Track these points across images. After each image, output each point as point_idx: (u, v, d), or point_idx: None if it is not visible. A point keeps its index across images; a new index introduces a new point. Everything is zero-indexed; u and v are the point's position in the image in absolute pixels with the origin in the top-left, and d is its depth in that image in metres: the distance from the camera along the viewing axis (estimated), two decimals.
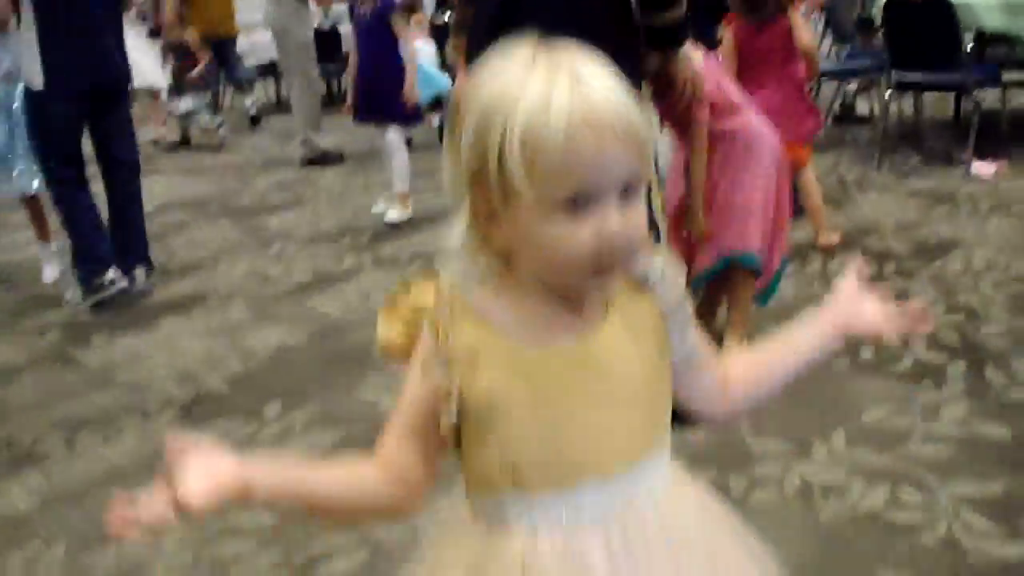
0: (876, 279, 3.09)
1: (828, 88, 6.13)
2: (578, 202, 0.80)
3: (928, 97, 5.64)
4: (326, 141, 6.41)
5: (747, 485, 2.06)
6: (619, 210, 0.82)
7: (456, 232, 0.87)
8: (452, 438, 0.89)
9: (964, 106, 5.32)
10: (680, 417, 0.96)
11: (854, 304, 1.06)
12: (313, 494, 0.90)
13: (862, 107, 6.15)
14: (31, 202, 4.07)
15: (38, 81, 3.53)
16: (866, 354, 2.64)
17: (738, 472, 2.11)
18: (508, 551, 0.88)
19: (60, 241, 4.01)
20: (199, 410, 2.73)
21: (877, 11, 5.14)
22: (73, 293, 3.79)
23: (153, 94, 7.27)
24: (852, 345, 2.69)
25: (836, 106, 6.10)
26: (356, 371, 2.84)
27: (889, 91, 4.92)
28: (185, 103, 7.26)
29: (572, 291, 0.88)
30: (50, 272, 4.13)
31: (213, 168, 6.65)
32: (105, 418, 2.73)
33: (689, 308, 0.95)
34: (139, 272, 3.91)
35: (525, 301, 0.88)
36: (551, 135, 0.78)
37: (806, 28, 3.54)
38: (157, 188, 5.70)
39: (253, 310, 3.55)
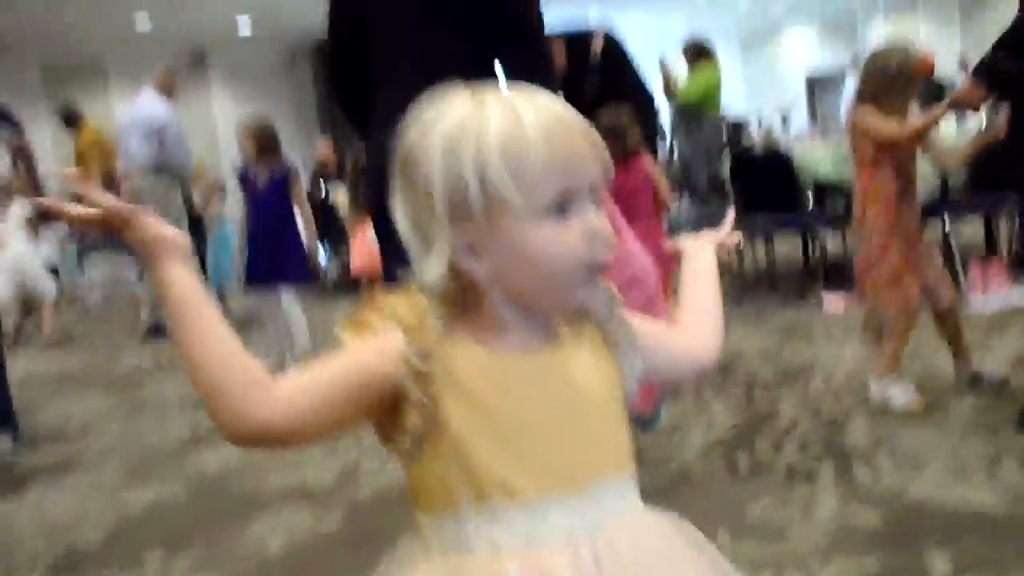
0: (745, 401, 3.29)
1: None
2: (563, 205, 0.84)
3: (780, 247, 6.09)
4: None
5: None
6: (597, 213, 0.87)
7: (433, 272, 0.86)
8: (411, 450, 0.87)
9: (811, 250, 5.75)
10: None
11: (698, 248, 1.22)
12: (200, 329, 0.83)
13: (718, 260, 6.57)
14: None
15: None
16: (743, 462, 2.75)
17: None
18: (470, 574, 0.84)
19: None
20: (72, 565, 2.58)
21: (726, 174, 5.62)
22: None
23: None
24: (730, 456, 2.80)
25: None
26: (242, 514, 2.77)
27: (742, 237, 5.31)
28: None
29: (557, 307, 0.90)
30: None
31: (85, 337, 6.47)
32: None
33: (633, 332, 0.97)
34: (3, 438, 3.74)
35: (492, 328, 0.88)
36: (531, 143, 0.82)
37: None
38: (20, 361, 5.50)
39: (128, 470, 3.43)
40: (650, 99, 4.41)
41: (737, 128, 9.71)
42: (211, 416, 0.82)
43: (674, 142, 7.62)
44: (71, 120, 8.46)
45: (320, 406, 0.83)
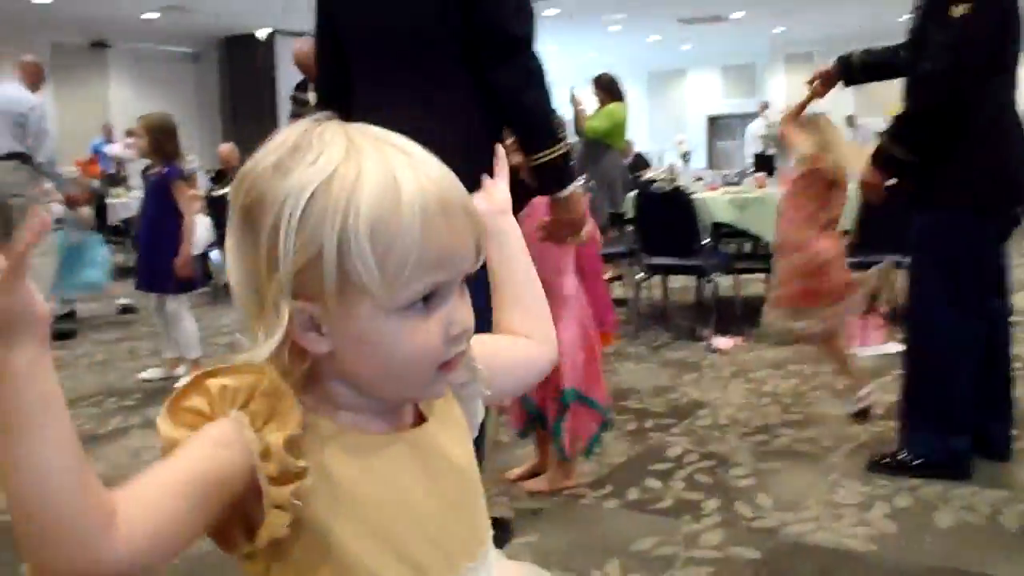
0: (637, 434, 3.40)
1: None
2: (428, 297, 0.73)
3: (673, 284, 6.29)
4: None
5: None
6: (461, 300, 0.77)
7: (265, 346, 0.72)
8: (269, 551, 0.73)
9: (704, 290, 5.96)
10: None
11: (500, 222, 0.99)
12: (39, 444, 0.60)
13: (616, 292, 6.74)
14: None
15: None
16: (633, 494, 2.85)
17: None
18: None
19: None
20: None
21: (628, 206, 5.77)
22: None
23: None
24: (620, 487, 2.90)
25: None
26: None
27: (640, 274, 5.47)
28: None
29: (403, 396, 0.80)
30: None
31: None
32: None
33: (482, 385, 0.87)
34: None
35: (334, 408, 0.78)
36: (405, 225, 0.70)
37: None
38: None
39: None
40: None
41: (639, 161, 9.98)
42: (38, 558, 0.62)
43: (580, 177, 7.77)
44: None
45: (167, 528, 0.65)
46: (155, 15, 12.47)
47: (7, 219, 5.63)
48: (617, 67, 7.84)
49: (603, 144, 6.92)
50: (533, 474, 2.99)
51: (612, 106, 6.90)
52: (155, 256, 4.49)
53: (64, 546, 0.61)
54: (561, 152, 2.16)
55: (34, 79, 5.94)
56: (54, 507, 0.60)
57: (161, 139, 4.48)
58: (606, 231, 6.98)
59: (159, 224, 4.51)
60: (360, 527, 0.74)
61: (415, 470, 0.79)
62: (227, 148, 8.84)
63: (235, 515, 0.71)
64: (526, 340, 0.98)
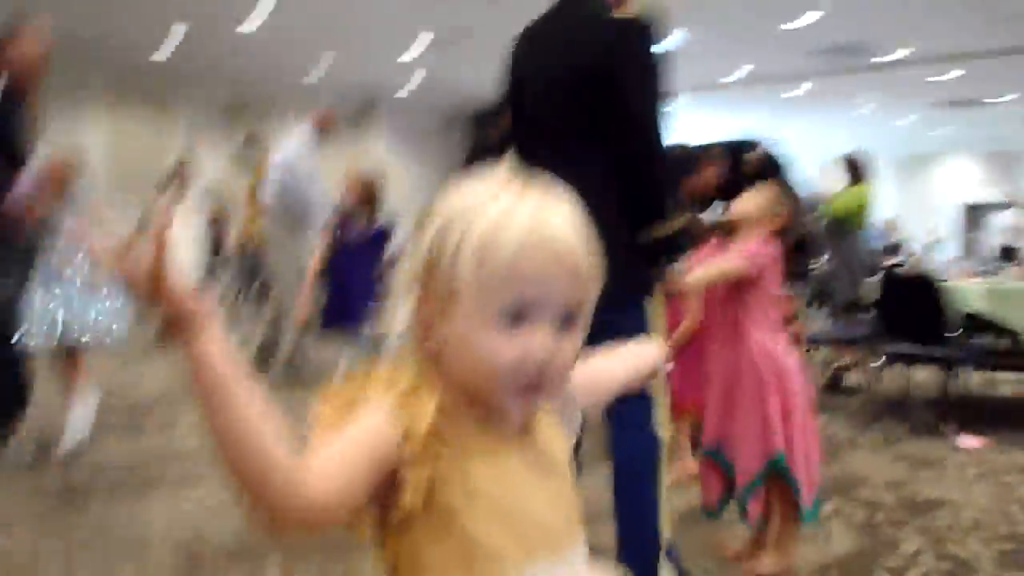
0: (866, 526, 3.21)
1: (818, 355, 6.42)
2: (514, 317, 0.84)
3: (916, 376, 5.92)
4: None
5: None
6: (555, 337, 0.86)
7: (394, 328, 0.94)
8: (401, 525, 0.86)
9: (951, 383, 5.56)
10: None
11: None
12: (237, 411, 0.76)
13: (849, 381, 6.42)
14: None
15: None
16: None
17: None
18: None
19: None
20: (199, 567, 2.72)
21: (867, 292, 5.50)
22: None
23: None
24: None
25: (827, 376, 6.37)
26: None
27: (880, 359, 5.19)
28: None
29: (492, 407, 0.89)
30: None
31: None
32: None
33: (574, 397, 1.01)
34: None
35: (459, 402, 0.89)
36: (503, 245, 0.83)
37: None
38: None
39: None
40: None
41: (891, 249, 9.52)
42: (255, 503, 0.78)
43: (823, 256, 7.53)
44: (250, 141, 8.57)
45: (349, 483, 0.81)
46: (411, 88, 13.34)
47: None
48: (869, 149, 7.56)
49: (845, 225, 6.67)
50: (752, 555, 2.87)
51: (858, 187, 6.67)
52: (354, 301, 4.62)
53: (269, 487, 0.77)
54: (675, 228, 2.31)
55: (325, 125, 6.17)
56: (258, 459, 0.76)
57: (366, 195, 4.79)
58: (845, 315, 6.71)
59: (365, 277, 4.72)
60: (484, 513, 0.86)
61: (529, 468, 0.91)
62: None
63: (382, 493, 0.84)
64: (625, 351, 1.17)
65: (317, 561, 2.78)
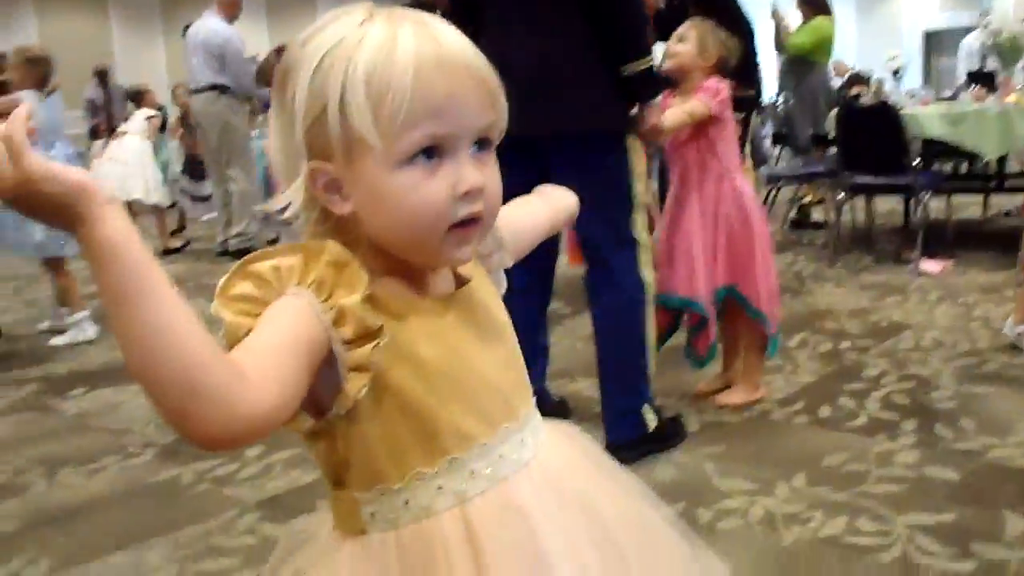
0: (832, 355, 3.30)
1: (785, 193, 6.46)
2: (430, 152, 0.75)
3: (879, 206, 5.98)
4: None
5: (713, 516, 2.16)
6: (477, 163, 0.78)
7: (287, 203, 0.78)
8: (347, 416, 0.76)
9: (912, 211, 5.63)
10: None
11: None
12: (157, 304, 0.63)
13: (817, 216, 6.48)
14: (55, 264, 4.13)
15: None
16: (824, 412, 2.79)
17: (706, 506, 2.21)
18: (441, 534, 0.78)
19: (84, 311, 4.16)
20: (181, 451, 2.77)
21: (830, 127, 5.48)
22: None
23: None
24: (811, 405, 2.84)
25: (792, 213, 6.42)
26: None
27: (842, 193, 5.22)
28: None
29: (424, 260, 0.81)
30: (60, 339, 4.18)
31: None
32: (85, 457, 2.78)
33: (507, 256, 0.94)
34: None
35: (374, 272, 0.77)
36: (398, 74, 0.72)
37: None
38: None
39: None
40: (750, 32, 4.05)
41: (856, 79, 9.41)
42: (184, 422, 0.64)
43: (779, 95, 7.47)
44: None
45: (291, 380, 0.70)
46: None
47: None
48: None
49: (808, 61, 6.58)
50: (720, 389, 2.96)
51: (817, 20, 6.54)
52: None
53: (203, 399, 0.63)
54: (647, 65, 2.33)
55: (230, 12, 6.25)
56: (187, 363, 0.62)
57: None
58: (808, 152, 6.71)
59: None
60: (439, 388, 0.78)
61: (469, 328, 0.83)
62: None
63: (318, 384, 0.73)
64: (538, 197, 1.08)
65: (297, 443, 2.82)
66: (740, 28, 3.66)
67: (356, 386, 0.73)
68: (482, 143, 0.78)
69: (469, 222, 0.77)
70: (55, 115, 4.07)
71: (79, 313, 4.16)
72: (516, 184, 2.91)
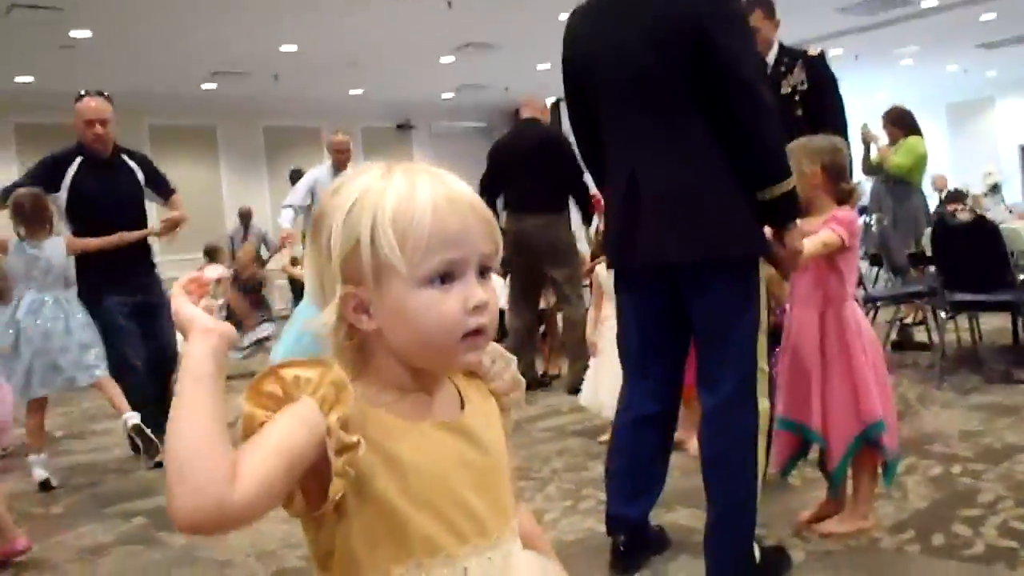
0: (943, 479, 3.16)
1: (884, 314, 6.32)
2: (445, 276, 0.91)
3: (987, 324, 5.79)
4: None
5: None
6: (480, 284, 0.94)
7: (322, 323, 0.93)
8: (334, 514, 0.89)
9: (1021, 328, 5.44)
10: None
11: None
12: (195, 403, 0.82)
13: (919, 337, 6.30)
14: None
15: None
16: (938, 540, 2.66)
17: None
18: None
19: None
20: None
21: (926, 244, 5.39)
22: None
23: None
24: (923, 533, 2.71)
25: (893, 334, 6.26)
26: None
27: (944, 313, 5.08)
28: None
29: (439, 366, 0.97)
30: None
31: None
32: None
33: (521, 394, 1.09)
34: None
35: (386, 386, 0.95)
36: (419, 213, 0.89)
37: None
38: None
39: None
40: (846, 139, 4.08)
41: (956, 195, 9.28)
42: (169, 497, 0.79)
43: (870, 216, 7.38)
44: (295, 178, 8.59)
45: (273, 484, 0.82)
46: (451, 95, 13.56)
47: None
48: (911, 102, 7.35)
49: (905, 181, 6.52)
50: (824, 517, 2.86)
51: (912, 140, 6.49)
52: None
53: (197, 484, 0.78)
54: (790, 188, 2.30)
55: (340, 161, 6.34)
56: (190, 446, 0.79)
57: None
58: (906, 272, 6.58)
59: None
60: (415, 498, 0.90)
61: (459, 453, 0.96)
62: None
63: (311, 485, 0.87)
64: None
65: None
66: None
67: (335, 488, 0.86)
68: (483, 271, 0.94)
69: (477, 332, 0.93)
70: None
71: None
72: (650, 307, 2.96)
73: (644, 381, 2.58)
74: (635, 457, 2.57)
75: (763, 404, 2.42)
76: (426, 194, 0.91)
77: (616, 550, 2.60)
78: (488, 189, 5.62)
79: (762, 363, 2.42)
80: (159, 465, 4.08)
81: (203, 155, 13.10)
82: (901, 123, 6.59)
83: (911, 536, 2.72)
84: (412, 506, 0.90)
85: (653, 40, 2.32)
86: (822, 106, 3.95)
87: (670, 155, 2.36)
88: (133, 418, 4.19)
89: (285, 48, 10.05)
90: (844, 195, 2.75)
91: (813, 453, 2.87)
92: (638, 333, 2.59)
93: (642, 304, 2.57)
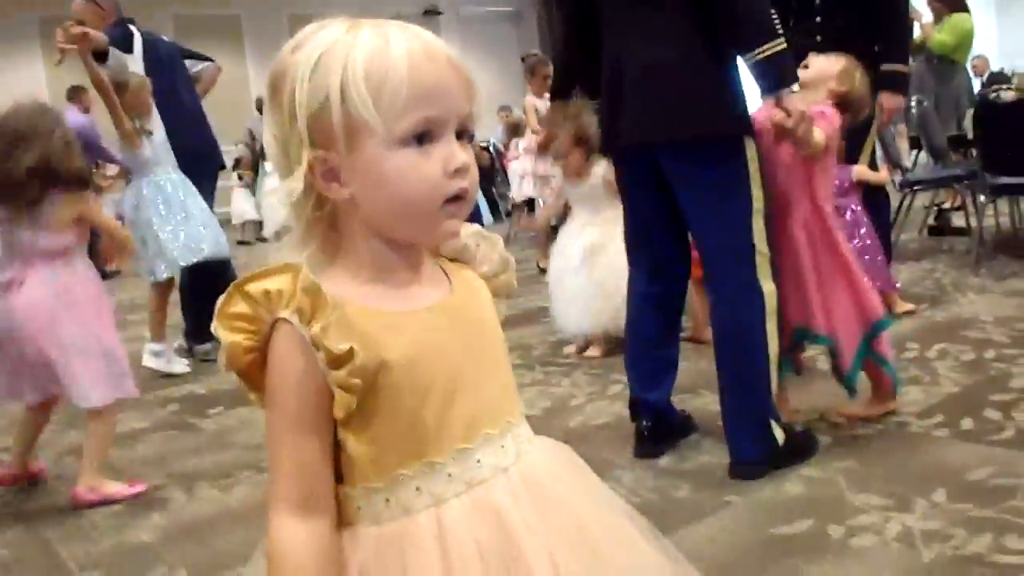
0: (975, 365, 3.11)
1: (922, 199, 6.17)
2: (424, 135, 0.83)
3: None
4: None
5: (845, 532, 2.07)
6: (460, 144, 0.86)
7: (287, 191, 0.85)
8: (345, 421, 0.86)
9: None
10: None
11: None
12: None
13: (957, 222, 6.16)
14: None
15: None
16: (967, 424, 2.63)
17: (838, 522, 2.11)
18: (414, 533, 0.85)
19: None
20: None
21: (968, 128, 5.22)
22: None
23: None
24: (952, 417, 2.69)
25: (930, 219, 6.13)
26: None
27: (984, 196, 4.95)
28: None
29: (419, 235, 0.89)
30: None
31: None
32: (221, 472, 2.89)
33: (512, 275, 1.02)
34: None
35: (366, 270, 0.88)
36: (394, 66, 0.81)
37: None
38: None
39: None
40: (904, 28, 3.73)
41: (997, 78, 8.95)
42: None
43: (912, 97, 7.15)
44: None
45: (331, 481, 0.86)
46: None
47: None
48: None
49: (949, 60, 6.29)
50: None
51: (957, 17, 6.23)
52: None
53: None
54: (780, 48, 2.19)
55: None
56: None
57: None
58: (947, 155, 6.41)
59: None
60: (414, 388, 0.85)
61: (456, 338, 0.89)
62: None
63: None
64: None
65: None
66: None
67: (342, 402, 0.83)
68: (460, 134, 0.86)
69: (457, 197, 0.86)
70: None
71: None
72: (639, 188, 2.90)
73: (642, 262, 2.61)
74: (644, 339, 2.59)
75: (767, 286, 2.40)
76: (401, 47, 0.82)
77: (640, 434, 2.62)
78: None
79: (761, 246, 2.39)
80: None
81: (228, 45, 12.91)
82: (950, 2, 6.31)
83: (940, 420, 2.69)
84: (418, 401, 0.85)
85: None
86: None
87: (651, 36, 2.33)
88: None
89: None
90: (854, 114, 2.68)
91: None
92: (631, 215, 2.62)
93: (633, 187, 2.58)
